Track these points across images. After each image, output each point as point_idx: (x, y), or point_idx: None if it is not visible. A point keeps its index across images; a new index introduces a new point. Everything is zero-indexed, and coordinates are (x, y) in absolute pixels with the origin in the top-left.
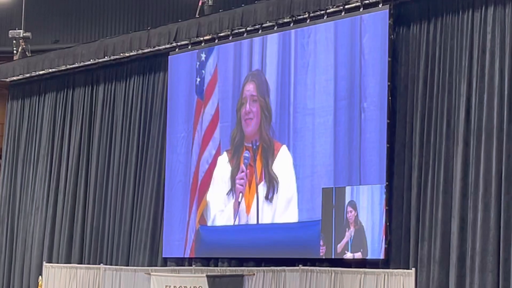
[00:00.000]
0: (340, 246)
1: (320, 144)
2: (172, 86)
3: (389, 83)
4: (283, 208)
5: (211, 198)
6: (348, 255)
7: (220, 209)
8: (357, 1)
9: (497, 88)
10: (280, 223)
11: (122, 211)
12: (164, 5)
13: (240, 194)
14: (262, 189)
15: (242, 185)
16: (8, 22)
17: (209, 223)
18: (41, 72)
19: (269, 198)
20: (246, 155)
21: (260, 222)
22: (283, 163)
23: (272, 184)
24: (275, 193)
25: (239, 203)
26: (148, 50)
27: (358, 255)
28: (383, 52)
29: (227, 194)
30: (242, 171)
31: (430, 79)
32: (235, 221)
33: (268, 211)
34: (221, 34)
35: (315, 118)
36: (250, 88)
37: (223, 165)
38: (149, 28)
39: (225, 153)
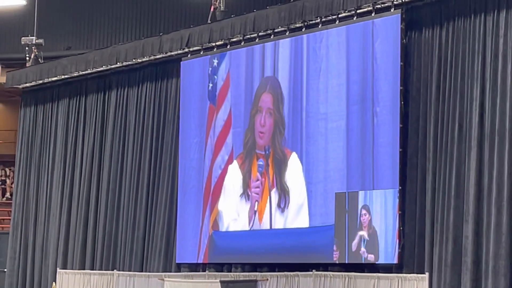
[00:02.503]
0: (353, 250)
1: (332, 149)
2: (185, 92)
3: (401, 88)
4: (294, 215)
5: (224, 205)
6: (362, 251)
7: (233, 215)
8: (369, 6)
9: (509, 91)
10: (293, 228)
11: (136, 217)
12: (176, 11)
13: (256, 203)
14: (274, 196)
15: (257, 194)
16: (20, 29)
17: (223, 229)
18: (53, 79)
19: (281, 207)
20: (260, 163)
21: (273, 224)
22: (293, 171)
23: (283, 193)
24: (287, 202)
25: (255, 212)
26: (161, 56)
27: (371, 257)
28: (395, 57)
29: (240, 197)
30: (258, 180)
31: (442, 83)
32: (249, 226)
33: (280, 218)
34: (233, 40)
35: (328, 122)
36: (267, 99)
37: (235, 171)
38: (161, 34)
39: (235, 161)
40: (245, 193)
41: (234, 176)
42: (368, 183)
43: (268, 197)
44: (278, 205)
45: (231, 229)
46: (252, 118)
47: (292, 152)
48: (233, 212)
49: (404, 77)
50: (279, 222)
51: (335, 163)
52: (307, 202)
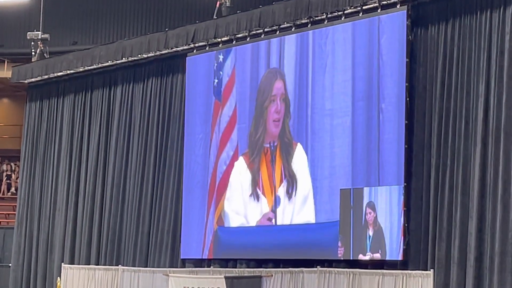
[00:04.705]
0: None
1: (338, 145)
2: (190, 87)
3: (407, 84)
4: (300, 205)
5: (230, 201)
6: (367, 256)
7: (240, 212)
8: (375, 2)
9: None
10: (298, 224)
11: (141, 212)
12: (182, 6)
13: (265, 202)
14: (282, 189)
15: (267, 194)
16: (26, 24)
17: (230, 225)
18: (59, 74)
19: (289, 193)
20: (270, 164)
21: (279, 220)
22: (299, 161)
23: (292, 181)
24: (294, 190)
25: (265, 211)
26: (166, 51)
27: (377, 256)
28: (401, 53)
29: (249, 196)
30: (267, 180)
31: (448, 80)
32: (255, 223)
33: (288, 208)
34: (239, 35)
35: (333, 119)
36: (280, 85)
37: (242, 169)
38: (167, 29)
39: (242, 159)
40: (254, 192)
41: (241, 172)
42: (373, 180)
43: (275, 192)
44: (287, 191)
45: (237, 223)
46: (265, 110)
47: (297, 143)
48: (241, 207)
49: (410, 74)
50: (287, 214)
51: (340, 159)
52: (312, 195)
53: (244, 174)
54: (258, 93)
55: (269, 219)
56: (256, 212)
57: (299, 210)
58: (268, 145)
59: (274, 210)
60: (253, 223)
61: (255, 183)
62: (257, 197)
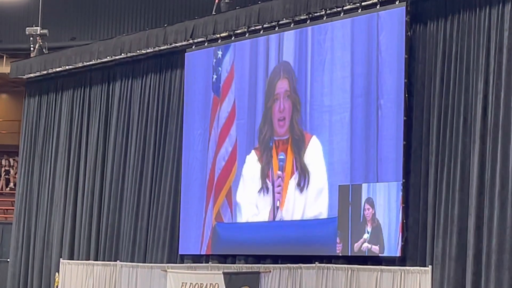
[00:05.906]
0: (357, 245)
1: (336, 141)
2: (189, 83)
3: (406, 80)
4: (314, 197)
5: (241, 196)
6: (365, 247)
7: (252, 208)
8: None
9: None
10: (297, 220)
11: (139, 208)
12: (181, 2)
13: (278, 202)
14: (293, 182)
15: (279, 193)
16: (25, 19)
17: (243, 215)
18: (58, 69)
19: (300, 186)
20: (281, 157)
21: (292, 213)
22: (314, 153)
23: (303, 174)
24: (306, 183)
25: (277, 207)
26: (165, 47)
27: (375, 248)
28: (400, 49)
29: (258, 192)
30: (279, 177)
31: (447, 77)
32: (267, 213)
33: (300, 201)
34: (238, 31)
35: (332, 115)
36: (284, 85)
37: (253, 164)
38: (165, 25)
39: (253, 152)
40: (264, 187)
41: (252, 167)
42: (371, 176)
43: (287, 186)
44: (298, 184)
45: (250, 219)
46: (269, 110)
47: (312, 135)
48: (253, 203)
49: (409, 70)
50: (299, 207)
51: (339, 156)
52: (327, 186)
53: (255, 167)
54: (266, 91)
55: (278, 209)
56: (266, 204)
57: (312, 202)
58: (278, 138)
59: (280, 201)
60: (264, 213)
61: (264, 175)
62: (267, 189)
